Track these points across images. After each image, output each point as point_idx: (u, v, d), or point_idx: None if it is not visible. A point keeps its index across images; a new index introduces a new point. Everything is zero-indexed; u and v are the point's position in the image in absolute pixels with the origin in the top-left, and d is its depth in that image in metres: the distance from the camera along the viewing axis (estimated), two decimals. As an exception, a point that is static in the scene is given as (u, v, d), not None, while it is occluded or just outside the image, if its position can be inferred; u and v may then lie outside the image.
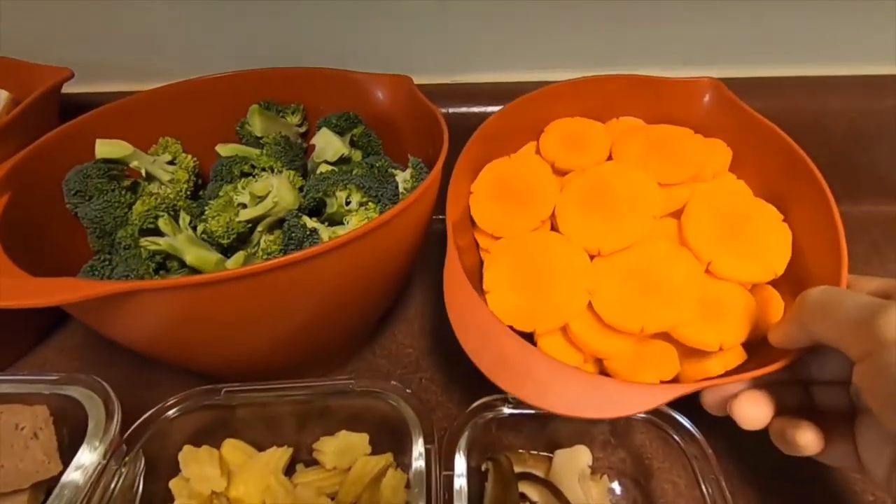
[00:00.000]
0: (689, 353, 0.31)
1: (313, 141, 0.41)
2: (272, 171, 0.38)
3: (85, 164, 0.36)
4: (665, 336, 0.31)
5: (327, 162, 0.41)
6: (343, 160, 0.41)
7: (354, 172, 0.35)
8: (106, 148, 0.35)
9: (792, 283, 0.31)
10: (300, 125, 0.46)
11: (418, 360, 0.41)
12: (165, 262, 0.35)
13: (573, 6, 0.49)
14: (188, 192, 0.39)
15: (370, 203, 0.32)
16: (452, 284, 0.28)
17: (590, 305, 0.30)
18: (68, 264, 0.34)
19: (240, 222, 0.32)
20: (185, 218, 0.34)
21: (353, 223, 0.31)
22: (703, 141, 0.38)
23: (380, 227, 0.26)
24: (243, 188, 0.35)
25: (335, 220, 0.34)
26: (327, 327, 0.32)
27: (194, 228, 0.36)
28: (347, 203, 0.33)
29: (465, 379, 0.39)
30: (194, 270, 0.33)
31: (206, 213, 0.32)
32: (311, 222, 0.30)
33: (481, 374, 0.25)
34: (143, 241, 0.33)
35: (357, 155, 0.43)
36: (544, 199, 0.35)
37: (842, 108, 0.49)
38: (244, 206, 0.35)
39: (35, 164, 0.35)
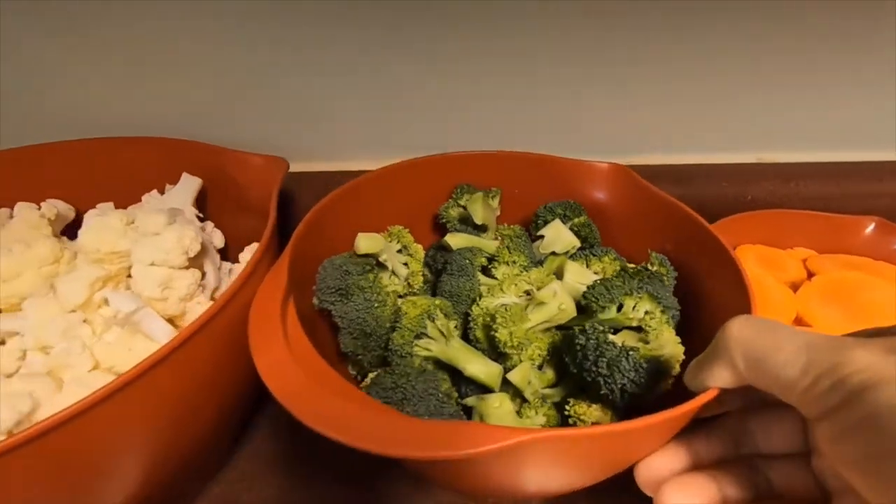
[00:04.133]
0: None
1: (542, 231, 0.40)
2: (511, 264, 0.37)
3: (337, 258, 0.34)
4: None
5: (554, 253, 0.40)
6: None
7: (629, 275, 0.33)
8: (367, 243, 0.34)
9: None
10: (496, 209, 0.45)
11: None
12: (424, 366, 0.33)
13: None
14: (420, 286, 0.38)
15: (657, 313, 0.31)
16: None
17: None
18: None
19: (530, 331, 0.31)
20: (443, 319, 0.33)
21: (664, 340, 0.29)
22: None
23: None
24: (506, 289, 0.33)
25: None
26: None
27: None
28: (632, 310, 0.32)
29: None
30: (466, 379, 0.32)
31: (498, 321, 0.30)
32: (625, 340, 0.29)
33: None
34: (417, 348, 0.31)
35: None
36: (783, 303, 0.39)
37: None
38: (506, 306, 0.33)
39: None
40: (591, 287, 0.32)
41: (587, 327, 0.29)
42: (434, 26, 0.47)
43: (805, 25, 0.48)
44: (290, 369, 0.24)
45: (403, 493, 0.36)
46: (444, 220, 0.44)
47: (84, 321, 0.30)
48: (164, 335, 0.29)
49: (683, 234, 0.37)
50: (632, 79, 0.50)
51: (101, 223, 0.32)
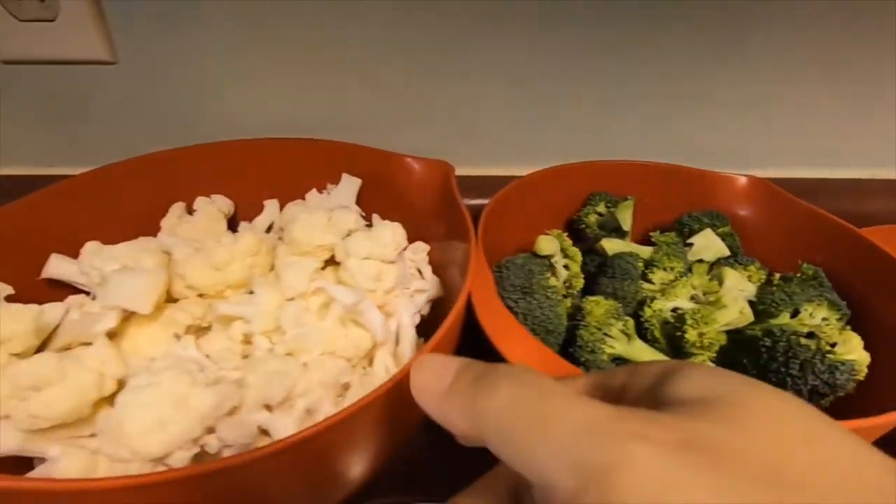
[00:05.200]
0: None
1: (692, 239, 0.42)
2: (669, 269, 0.39)
3: (517, 258, 0.37)
4: None
5: (701, 261, 0.42)
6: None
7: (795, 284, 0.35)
8: (547, 245, 0.36)
9: None
10: (628, 217, 0.47)
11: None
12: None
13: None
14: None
15: (833, 320, 0.33)
16: None
17: None
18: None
19: (720, 333, 0.33)
20: (627, 322, 0.35)
21: (852, 345, 0.31)
22: None
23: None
24: (678, 294, 0.36)
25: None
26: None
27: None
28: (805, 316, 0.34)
29: None
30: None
31: (688, 322, 0.32)
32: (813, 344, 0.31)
33: None
34: (606, 346, 0.33)
35: (715, 253, 0.43)
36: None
37: None
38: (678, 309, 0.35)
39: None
40: (769, 292, 0.34)
41: (774, 330, 0.31)
42: (575, 46, 0.49)
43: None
44: (533, 356, 0.26)
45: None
46: (582, 226, 0.46)
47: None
48: (379, 324, 0.31)
49: (836, 247, 0.39)
50: (757, 97, 0.52)
51: (310, 220, 0.35)
